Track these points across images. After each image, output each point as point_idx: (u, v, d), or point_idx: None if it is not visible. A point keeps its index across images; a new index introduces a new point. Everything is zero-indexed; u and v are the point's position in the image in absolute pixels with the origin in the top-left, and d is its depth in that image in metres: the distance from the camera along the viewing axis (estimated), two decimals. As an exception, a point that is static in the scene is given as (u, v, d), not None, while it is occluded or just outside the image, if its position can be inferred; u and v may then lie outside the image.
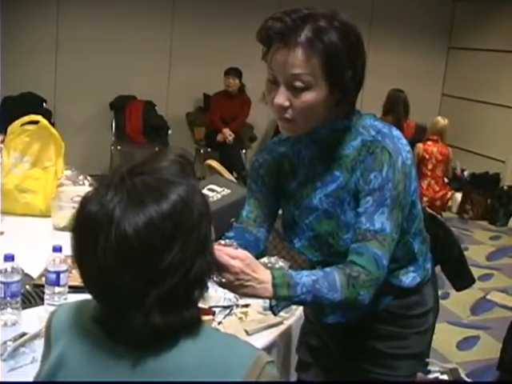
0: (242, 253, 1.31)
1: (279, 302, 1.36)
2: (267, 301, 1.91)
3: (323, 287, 1.33)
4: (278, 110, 1.41)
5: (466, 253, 1.94)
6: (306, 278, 1.34)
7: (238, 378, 0.98)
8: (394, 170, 1.40)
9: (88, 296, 1.03)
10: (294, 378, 1.90)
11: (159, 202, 0.96)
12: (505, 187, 6.89)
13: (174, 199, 0.97)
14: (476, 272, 2.30)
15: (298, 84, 1.36)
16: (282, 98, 1.38)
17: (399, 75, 7.08)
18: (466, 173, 7.24)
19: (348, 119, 1.47)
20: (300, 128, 1.44)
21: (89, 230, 0.97)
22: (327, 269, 1.38)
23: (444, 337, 3.62)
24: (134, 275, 0.95)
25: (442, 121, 5.82)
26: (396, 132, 1.47)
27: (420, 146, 5.74)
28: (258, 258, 1.56)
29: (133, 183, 0.97)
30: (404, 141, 1.46)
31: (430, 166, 5.76)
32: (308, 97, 1.37)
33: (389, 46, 7.14)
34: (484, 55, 7.41)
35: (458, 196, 6.84)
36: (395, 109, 5.83)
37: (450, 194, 6.06)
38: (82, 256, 1.01)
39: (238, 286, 1.29)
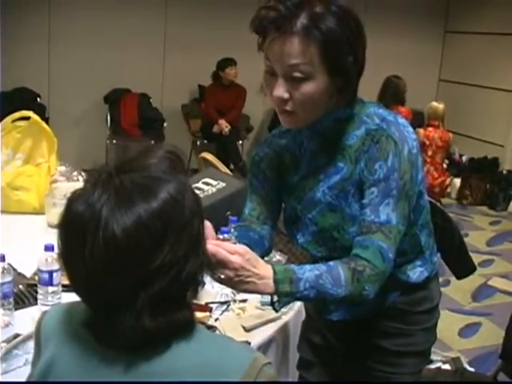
0: (241, 247, 1.25)
1: (281, 298, 1.29)
2: (266, 295, 1.90)
3: (327, 282, 1.28)
4: (277, 103, 1.36)
5: (466, 239, 1.89)
6: (309, 272, 1.28)
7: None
8: (399, 159, 1.35)
9: (80, 296, 1.00)
10: (292, 373, 1.88)
11: (148, 201, 0.92)
12: (504, 171, 6.86)
13: (163, 197, 0.93)
14: (476, 258, 2.28)
15: (297, 74, 1.31)
16: (280, 90, 1.34)
17: (395, 61, 7.02)
18: (464, 158, 7.19)
19: (350, 107, 1.42)
20: (302, 120, 1.40)
21: (75, 231, 0.94)
22: (331, 263, 1.33)
23: (445, 324, 3.60)
24: (123, 277, 0.92)
25: (439, 106, 5.77)
26: (402, 120, 1.42)
27: (421, 131, 5.64)
28: (263, 256, 1.51)
29: (121, 181, 0.94)
30: (410, 129, 1.41)
31: (429, 153, 5.70)
32: (308, 87, 1.32)
33: (384, 31, 7.05)
34: (481, 39, 7.35)
35: (457, 182, 6.81)
36: (384, 96, 5.75)
37: (448, 179, 6.03)
38: (69, 258, 0.98)
39: (238, 282, 1.23)
